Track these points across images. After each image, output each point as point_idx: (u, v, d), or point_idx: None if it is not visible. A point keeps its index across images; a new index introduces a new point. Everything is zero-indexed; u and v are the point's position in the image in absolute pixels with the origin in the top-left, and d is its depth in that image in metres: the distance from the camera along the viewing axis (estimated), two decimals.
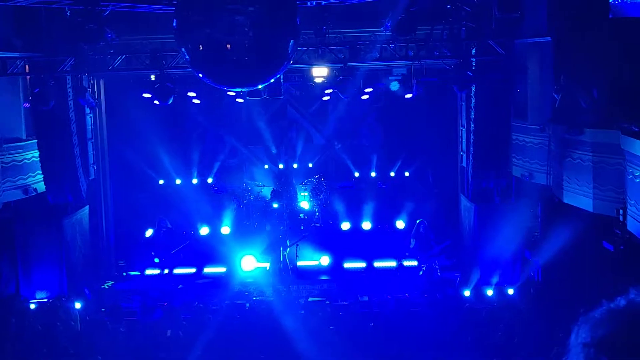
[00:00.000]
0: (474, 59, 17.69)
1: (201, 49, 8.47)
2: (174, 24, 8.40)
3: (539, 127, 16.95)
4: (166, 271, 21.15)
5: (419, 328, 14.42)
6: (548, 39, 15.92)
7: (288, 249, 20.50)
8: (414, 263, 21.06)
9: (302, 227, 22.55)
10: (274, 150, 25.96)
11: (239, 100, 22.84)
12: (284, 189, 23.57)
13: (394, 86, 20.62)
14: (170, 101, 17.46)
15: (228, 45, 8.19)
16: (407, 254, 20.85)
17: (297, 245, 20.57)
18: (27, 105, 18.23)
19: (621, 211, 13.25)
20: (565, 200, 15.33)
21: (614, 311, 1.53)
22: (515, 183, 18.62)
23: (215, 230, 22.90)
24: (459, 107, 20.97)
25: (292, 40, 8.76)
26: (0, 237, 17.45)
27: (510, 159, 18.48)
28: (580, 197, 14.66)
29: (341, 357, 12.90)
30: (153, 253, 21.27)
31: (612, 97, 13.71)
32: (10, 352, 13.35)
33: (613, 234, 13.65)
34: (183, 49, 8.60)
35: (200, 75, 9.01)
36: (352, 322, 15.30)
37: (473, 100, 18.44)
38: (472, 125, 18.65)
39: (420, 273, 20.50)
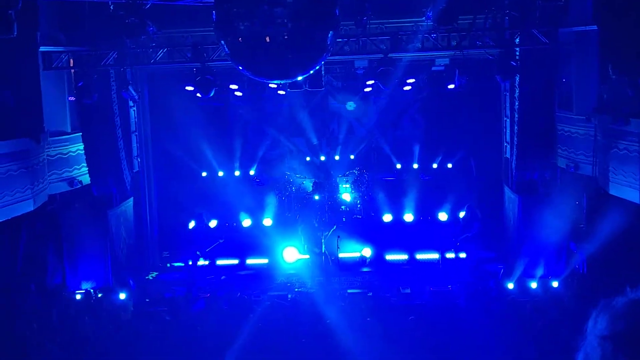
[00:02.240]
0: (517, 49, 17.42)
1: (240, 41, 8.48)
2: (213, 17, 8.41)
3: (584, 117, 16.64)
4: (201, 262, 21.22)
5: (460, 320, 14.30)
6: (594, 27, 15.59)
7: (325, 235, 20.47)
8: (463, 255, 21.00)
9: (344, 219, 22.51)
10: (315, 142, 25.92)
11: (281, 92, 22.86)
12: (326, 181, 23.54)
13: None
14: (212, 94, 17.54)
15: (267, 38, 8.19)
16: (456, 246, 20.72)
17: (339, 237, 20.53)
18: (72, 98, 18.50)
19: None
20: (611, 192, 15.03)
21: (636, 303, 1.43)
22: (560, 174, 18.32)
23: (257, 222, 23.00)
24: (503, 97, 20.71)
25: (331, 32, 8.71)
26: (46, 228, 17.73)
27: (555, 150, 18.19)
28: (626, 188, 14.35)
29: (382, 348, 12.86)
30: (198, 252, 21.44)
31: None
32: (58, 342, 13.59)
33: None
34: (222, 42, 8.62)
35: (240, 68, 9.03)
36: (394, 314, 15.23)
37: (517, 91, 18.18)
38: (516, 115, 18.39)
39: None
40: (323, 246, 20.47)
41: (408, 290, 18.62)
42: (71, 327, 14.76)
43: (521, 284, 17.95)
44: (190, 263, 21.35)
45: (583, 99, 16.86)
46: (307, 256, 20.83)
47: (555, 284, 17.63)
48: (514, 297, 16.12)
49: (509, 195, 20.00)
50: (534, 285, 17.83)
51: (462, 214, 21.34)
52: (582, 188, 17.40)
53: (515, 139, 18.59)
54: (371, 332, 13.74)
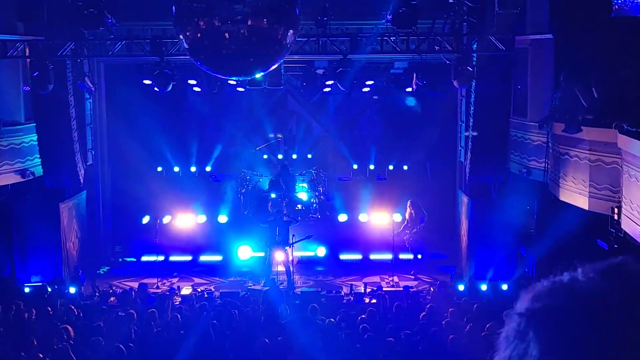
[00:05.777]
0: (474, 54, 17.69)
1: (199, 36, 8.49)
2: (173, 11, 8.41)
3: (537, 124, 16.95)
4: (161, 258, 21.06)
5: (411, 320, 14.45)
6: (549, 36, 15.91)
7: (291, 242, 20.41)
8: (409, 256, 21.26)
9: (299, 218, 22.54)
10: (273, 140, 25.90)
11: (240, 89, 22.79)
12: (282, 179, 23.54)
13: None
14: (170, 88, 17.45)
15: (226, 34, 8.22)
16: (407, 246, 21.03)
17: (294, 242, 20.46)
18: (27, 88, 18.22)
19: (616, 210, 13.27)
20: (561, 198, 15.35)
21: (555, 285, 1.55)
22: (512, 179, 18.63)
23: (212, 218, 22.90)
24: (459, 102, 20.99)
25: (291, 30, 8.78)
26: None
27: (508, 155, 18.49)
28: (576, 194, 14.67)
29: (334, 347, 12.94)
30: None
31: (611, 96, 13.72)
32: (5, 336, 13.38)
33: (608, 233, 13.67)
34: (182, 37, 8.63)
35: (199, 63, 9.04)
36: (346, 312, 15.33)
37: (473, 96, 18.44)
38: (471, 120, 18.65)
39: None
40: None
41: (361, 290, 18.78)
42: (17, 322, 14.53)
43: (471, 286, 18.20)
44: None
45: (537, 105, 17.15)
46: (263, 254, 20.73)
47: (504, 286, 17.91)
48: (464, 298, 16.34)
49: (462, 198, 20.28)
50: (484, 287, 18.10)
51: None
52: (533, 193, 17.72)
53: (470, 143, 18.85)
54: (324, 329, 13.81)
